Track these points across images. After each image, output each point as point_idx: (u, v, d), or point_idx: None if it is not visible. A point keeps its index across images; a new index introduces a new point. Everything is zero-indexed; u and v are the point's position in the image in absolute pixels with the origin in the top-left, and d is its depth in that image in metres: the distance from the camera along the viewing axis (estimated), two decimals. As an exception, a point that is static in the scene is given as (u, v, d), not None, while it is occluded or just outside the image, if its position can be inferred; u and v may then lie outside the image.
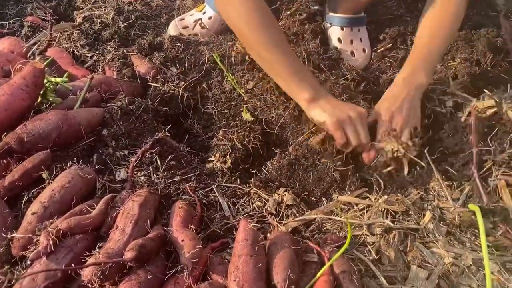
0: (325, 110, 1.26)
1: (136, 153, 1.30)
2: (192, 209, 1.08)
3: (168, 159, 1.30)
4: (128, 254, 0.90)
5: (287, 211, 1.19)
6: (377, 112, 1.33)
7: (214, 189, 1.23)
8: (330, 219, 1.11)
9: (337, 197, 1.19)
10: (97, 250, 0.96)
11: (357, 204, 1.16)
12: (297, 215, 1.17)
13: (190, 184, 1.23)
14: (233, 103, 1.58)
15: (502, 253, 1.07)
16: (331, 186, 1.25)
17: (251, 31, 1.31)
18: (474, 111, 1.29)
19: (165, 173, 1.26)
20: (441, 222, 1.10)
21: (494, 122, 1.29)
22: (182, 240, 0.97)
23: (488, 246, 1.01)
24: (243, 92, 1.54)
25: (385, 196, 1.15)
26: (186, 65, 1.72)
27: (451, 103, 1.51)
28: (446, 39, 1.41)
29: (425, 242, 1.08)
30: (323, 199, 1.23)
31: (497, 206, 1.12)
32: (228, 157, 1.37)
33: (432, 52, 1.39)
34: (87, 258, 0.94)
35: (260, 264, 0.91)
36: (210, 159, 1.39)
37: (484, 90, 1.42)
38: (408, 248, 1.06)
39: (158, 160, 1.29)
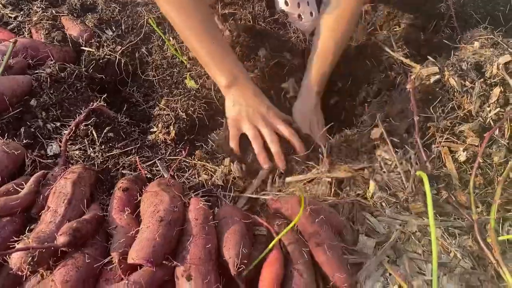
0: (234, 103, 1.25)
1: (69, 125, 1.20)
2: (135, 187, 1.01)
3: (105, 131, 1.21)
4: (61, 239, 0.83)
5: (235, 183, 1.15)
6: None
7: (157, 162, 1.15)
8: (279, 192, 1.08)
9: (284, 180, 1.16)
10: (27, 234, 0.88)
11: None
12: (244, 184, 1.13)
13: (134, 157, 1.15)
14: (175, 69, 1.49)
15: (445, 219, 1.09)
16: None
17: (178, 15, 1.25)
18: (414, 78, 1.28)
19: (103, 147, 1.18)
20: (388, 191, 1.10)
21: (438, 89, 1.30)
22: (115, 227, 0.90)
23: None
24: (185, 60, 1.46)
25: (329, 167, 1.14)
26: (123, 27, 1.61)
27: (396, 70, 1.51)
28: (345, 43, 1.48)
29: (372, 211, 1.08)
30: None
31: (440, 173, 1.14)
32: (171, 127, 1.29)
33: (333, 62, 1.44)
34: (16, 243, 0.86)
35: (210, 245, 0.87)
36: (152, 130, 1.31)
37: (428, 57, 1.42)
38: (355, 218, 1.06)
39: (94, 133, 1.20)
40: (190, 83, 1.43)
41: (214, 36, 1.27)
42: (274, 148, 1.19)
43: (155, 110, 1.39)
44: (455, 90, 1.26)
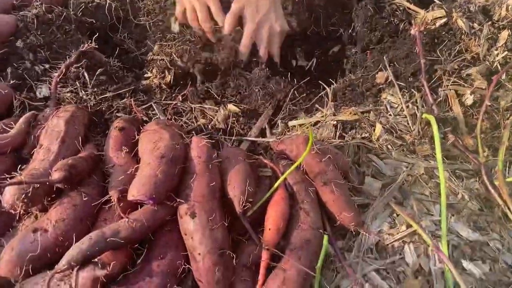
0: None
1: (59, 68, 1.13)
2: (131, 127, 0.95)
3: (97, 73, 1.14)
4: (56, 175, 0.78)
5: (236, 125, 1.10)
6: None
7: (153, 105, 1.10)
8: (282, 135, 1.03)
9: (287, 123, 1.11)
10: (19, 172, 0.83)
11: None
12: (245, 130, 1.09)
13: (128, 100, 1.10)
14: (168, 13, 1.41)
15: (452, 162, 1.06)
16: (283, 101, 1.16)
17: None
18: (419, 21, 1.23)
19: (95, 89, 1.11)
20: (394, 134, 1.07)
21: (444, 32, 1.25)
22: (113, 166, 0.85)
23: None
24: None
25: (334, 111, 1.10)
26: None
27: (399, 16, 1.45)
28: None
29: (378, 154, 1.05)
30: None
31: (447, 116, 1.10)
32: (167, 72, 1.23)
33: None
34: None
35: (214, 183, 0.83)
36: (146, 75, 1.25)
37: (434, 0, 1.37)
38: (361, 160, 1.03)
39: (86, 75, 1.13)
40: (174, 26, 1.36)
41: None
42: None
43: (148, 56, 1.32)
44: (463, 32, 1.21)
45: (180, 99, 1.16)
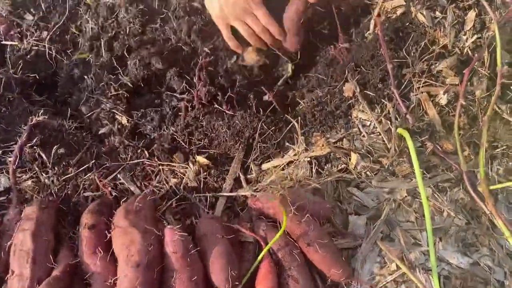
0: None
1: (12, 151, 1.06)
2: (101, 219, 0.91)
3: (54, 148, 1.08)
4: (35, 313, 0.76)
5: (209, 179, 1.06)
6: None
7: (121, 177, 1.05)
8: (255, 192, 0.99)
9: (259, 167, 1.06)
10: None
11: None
12: (219, 182, 1.05)
13: (93, 174, 1.05)
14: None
15: (433, 174, 1.04)
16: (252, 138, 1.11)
17: None
18: (379, 19, 1.15)
19: (56, 169, 1.05)
20: (371, 158, 1.03)
21: (407, 23, 1.16)
22: (91, 274, 0.83)
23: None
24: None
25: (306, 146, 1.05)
26: (44, 7, 1.39)
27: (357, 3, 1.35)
28: None
29: (358, 184, 1.02)
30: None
31: (423, 124, 1.06)
32: (121, 118, 1.17)
33: None
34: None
35: (195, 276, 0.81)
36: (101, 131, 1.18)
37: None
38: (342, 196, 1.00)
39: (42, 154, 1.06)
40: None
41: None
42: (268, 33, 1.18)
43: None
44: (426, 24, 1.13)
45: (147, 154, 1.11)
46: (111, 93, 1.22)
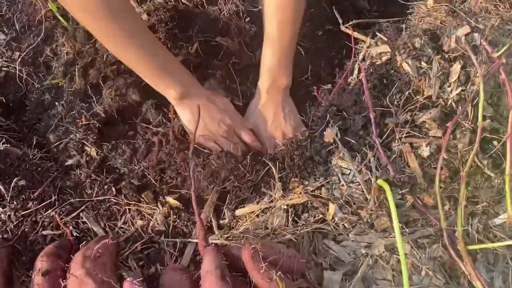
0: (193, 116, 1.13)
1: (-32, 181, 0.99)
2: (57, 264, 0.84)
3: (15, 180, 1.01)
4: None
5: (178, 223, 1.00)
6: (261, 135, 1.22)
7: (84, 216, 0.98)
8: (227, 240, 0.94)
9: (233, 212, 1.01)
10: None
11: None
12: (189, 227, 0.99)
13: (53, 211, 0.98)
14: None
15: (413, 229, 1.00)
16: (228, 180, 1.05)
17: (95, 23, 0.98)
18: (364, 64, 1.13)
19: (15, 202, 0.98)
20: (350, 209, 0.99)
21: (392, 70, 1.15)
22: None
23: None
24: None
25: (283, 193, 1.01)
26: (18, 27, 1.33)
27: (342, 41, 1.34)
28: (296, 26, 1.18)
29: (334, 237, 0.97)
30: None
31: (404, 176, 1.03)
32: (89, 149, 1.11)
33: (285, 47, 1.19)
34: None
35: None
36: (68, 162, 1.12)
37: (377, 33, 1.25)
38: (317, 249, 0.95)
39: (0, 186, 0.99)
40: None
41: (149, 40, 1.08)
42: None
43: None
44: (411, 74, 1.11)
45: (114, 191, 1.04)
46: (82, 122, 1.16)
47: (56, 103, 1.23)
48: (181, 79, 1.13)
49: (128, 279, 0.79)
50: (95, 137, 1.16)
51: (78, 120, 1.19)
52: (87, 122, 1.18)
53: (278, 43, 1.17)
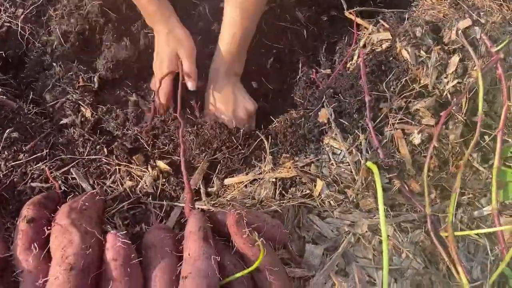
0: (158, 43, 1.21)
1: (-39, 128, 0.99)
2: (43, 214, 0.85)
3: (8, 131, 1.01)
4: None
5: (167, 186, 1.01)
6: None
7: (73, 171, 0.98)
8: (213, 206, 0.94)
9: (221, 181, 1.02)
10: None
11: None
12: (177, 191, 1.00)
13: (44, 164, 0.98)
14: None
15: (397, 213, 1.01)
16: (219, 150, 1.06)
17: None
18: (364, 50, 1.14)
19: (6, 153, 0.98)
20: (337, 188, 1.00)
21: (391, 57, 1.15)
22: (21, 271, 0.76)
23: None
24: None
25: (273, 166, 1.01)
26: (23, -17, 1.32)
27: (346, 28, 1.35)
28: (258, 13, 1.20)
29: (319, 213, 0.98)
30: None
31: (392, 161, 1.04)
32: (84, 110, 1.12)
33: (246, 34, 1.20)
34: None
35: (133, 288, 0.75)
36: (62, 121, 1.12)
37: (380, 20, 1.25)
38: (301, 223, 0.96)
39: (-7, 135, 1.00)
40: None
41: None
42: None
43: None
44: (409, 62, 1.12)
45: (105, 152, 1.05)
46: (79, 83, 1.17)
47: (54, 64, 1.23)
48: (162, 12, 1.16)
49: (111, 231, 0.79)
50: (91, 99, 1.17)
51: (75, 82, 1.19)
52: (84, 84, 1.18)
53: (239, 29, 1.17)
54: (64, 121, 1.14)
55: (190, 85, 1.18)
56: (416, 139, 1.07)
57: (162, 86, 1.16)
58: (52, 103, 1.17)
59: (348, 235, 0.96)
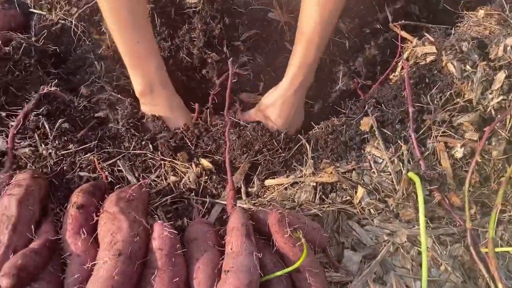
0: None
1: (16, 115, 1.03)
2: (92, 201, 0.88)
3: (59, 121, 1.05)
4: (3, 282, 0.71)
5: (209, 184, 1.03)
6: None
7: (119, 163, 1.02)
8: (254, 205, 0.96)
9: (262, 182, 1.03)
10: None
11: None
12: (218, 189, 1.02)
13: (92, 155, 1.01)
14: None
15: (437, 225, 1.01)
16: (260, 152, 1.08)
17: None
18: (408, 62, 1.14)
19: (56, 142, 1.02)
20: (377, 196, 1.00)
21: (436, 71, 1.16)
22: (70, 255, 0.79)
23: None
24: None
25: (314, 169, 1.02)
26: (79, -16, 1.38)
27: (388, 41, 1.36)
28: (330, 26, 1.12)
29: (359, 220, 0.98)
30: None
31: (434, 173, 1.03)
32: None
33: (321, 44, 1.11)
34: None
35: (177, 278, 0.77)
36: (97, 114, 1.16)
37: (425, 34, 1.26)
38: (341, 229, 0.97)
39: (46, 125, 1.04)
40: None
41: (138, 33, 1.06)
42: None
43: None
44: (454, 76, 1.12)
45: (151, 148, 1.08)
46: (118, 83, 1.20)
47: (96, 62, 1.27)
48: (150, 74, 1.10)
49: (159, 221, 0.81)
50: (131, 99, 1.19)
51: (115, 82, 1.23)
52: (123, 85, 1.22)
53: (312, 43, 1.09)
54: (99, 114, 1.16)
55: None
56: (459, 153, 1.06)
57: None
58: (89, 97, 1.21)
59: (387, 244, 0.96)
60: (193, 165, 1.03)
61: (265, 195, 1.01)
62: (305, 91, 1.17)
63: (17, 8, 1.30)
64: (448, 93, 1.11)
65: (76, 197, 0.88)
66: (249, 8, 1.39)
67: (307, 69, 1.12)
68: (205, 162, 1.04)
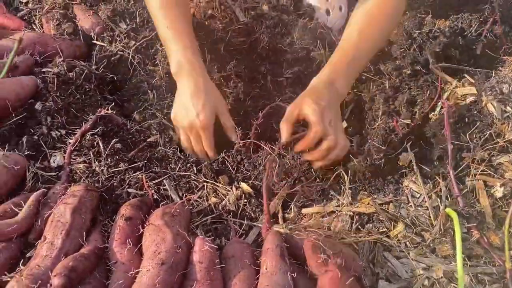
0: (175, 101, 1.20)
1: (74, 134, 1.12)
2: (139, 215, 0.93)
3: (112, 142, 1.13)
4: (55, 281, 0.76)
5: (247, 207, 1.06)
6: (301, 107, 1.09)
7: (166, 183, 1.08)
8: (290, 230, 0.99)
9: (299, 209, 1.06)
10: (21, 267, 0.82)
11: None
12: (257, 213, 1.05)
13: (141, 174, 1.08)
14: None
15: (475, 263, 1.00)
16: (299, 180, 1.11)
17: None
18: (448, 103, 1.16)
19: (109, 160, 1.10)
20: (414, 230, 1.01)
21: (475, 111, 1.17)
22: (115, 263, 0.83)
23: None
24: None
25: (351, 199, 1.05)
26: (138, 21, 1.51)
27: (428, 82, 1.38)
28: (376, 43, 1.19)
29: (395, 252, 0.99)
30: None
31: (472, 210, 1.03)
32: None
33: (358, 58, 1.15)
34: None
35: (215, 291, 0.80)
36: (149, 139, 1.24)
37: (465, 75, 1.29)
38: (376, 259, 0.97)
39: (100, 144, 1.12)
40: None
41: (173, 19, 1.20)
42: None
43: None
44: (494, 116, 1.13)
45: (195, 170, 1.14)
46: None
47: (149, 91, 1.36)
48: (180, 57, 1.16)
49: (200, 236, 0.86)
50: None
51: (166, 110, 1.31)
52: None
53: (353, 51, 1.13)
54: (151, 139, 1.24)
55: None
56: (498, 192, 1.06)
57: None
58: (141, 123, 1.29)
59: (422, 278, 0.95)
60: (233, 188, 1.08)
61: (301, 222, 1.04)
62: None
63: (82, 39, 1.43)
64: (488, 133, 1.12)
65: (125, 210, 0.94)
66: (293, 47, 1.47)
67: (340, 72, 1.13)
68: (244, 186, 1.08)
